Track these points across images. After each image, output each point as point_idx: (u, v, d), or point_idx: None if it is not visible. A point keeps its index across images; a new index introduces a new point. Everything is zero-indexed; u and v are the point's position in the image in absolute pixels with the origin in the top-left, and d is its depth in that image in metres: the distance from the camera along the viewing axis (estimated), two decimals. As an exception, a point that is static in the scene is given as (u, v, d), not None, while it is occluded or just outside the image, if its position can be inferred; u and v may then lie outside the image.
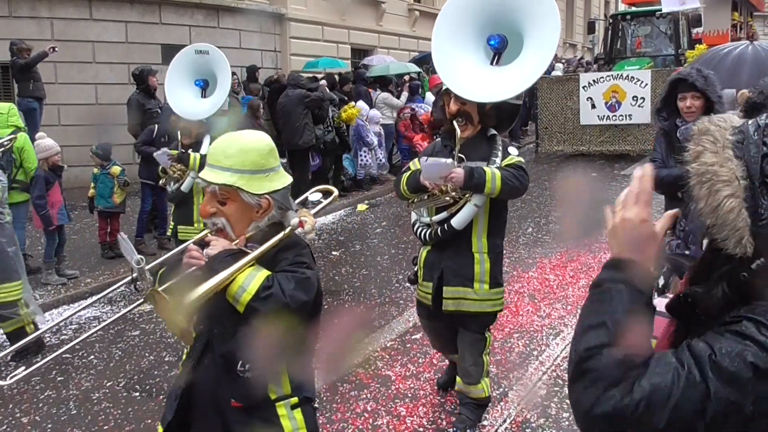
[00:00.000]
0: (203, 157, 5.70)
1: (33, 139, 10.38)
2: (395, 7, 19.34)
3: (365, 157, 12.24)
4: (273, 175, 2.35)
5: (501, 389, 4.78)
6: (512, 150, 3.87)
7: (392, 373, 5.11)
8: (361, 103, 12.42)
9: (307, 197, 2.99)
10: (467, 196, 3.71)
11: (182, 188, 5.97)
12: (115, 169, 7.97)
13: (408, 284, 4.67)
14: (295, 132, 10.60)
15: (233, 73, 12.80)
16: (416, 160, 4.06)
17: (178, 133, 6.21)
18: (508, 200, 4.00)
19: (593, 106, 14.67)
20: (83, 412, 4.66)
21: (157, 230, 8.73)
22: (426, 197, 3.83)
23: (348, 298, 6.93)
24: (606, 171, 13.42)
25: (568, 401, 4.48)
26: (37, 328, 5.31)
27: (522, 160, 3.80)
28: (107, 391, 4.91)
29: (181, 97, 6.12)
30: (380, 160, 12.65)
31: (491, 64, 3.83)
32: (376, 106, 13.03)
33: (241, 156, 2.29)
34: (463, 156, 3.75)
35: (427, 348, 5.50)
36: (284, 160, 11.55)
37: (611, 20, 17.80)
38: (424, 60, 16.98)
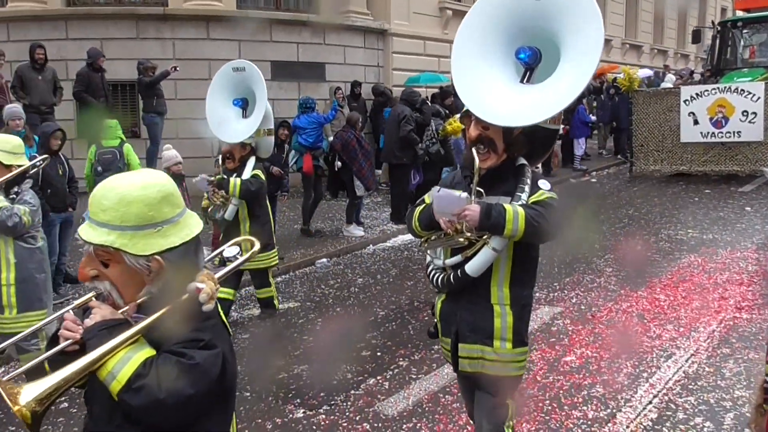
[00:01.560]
0: (244, 183, 5.77)
1: (155, 151, 11.13)
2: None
3: (466, 170, 12.22)
4: (168, 229, 1.88)
5: (608, 410, 4.67)
6: (543, 184, 3.16)
7: (495, 387, 5.09)
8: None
9: (222, 251, 2.57)
10: (485, 237, 3.07)
11: (225, 216, 5.77)
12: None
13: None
14: (396, 147, 10.72)
15: (338, 88, 13.28)
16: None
17: (218, 158, 5.96)
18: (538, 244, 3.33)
19: (696, 122, 13.69)
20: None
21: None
22: (440, 236, 3.19)
23: (450, 311, 6.94)
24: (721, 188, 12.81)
25: (681, 427, 4.36)
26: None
27: (554, 196, 3.13)
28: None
29: (222, 120, 5.80)
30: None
31: (521, 81, 3.20)
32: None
33: (120, 208, 1.83)
34: (481, 190, 3.12)
35: (530, 364, 5.45)
36: (379, 171, 11.71)
37: (719, 28, 16.42)
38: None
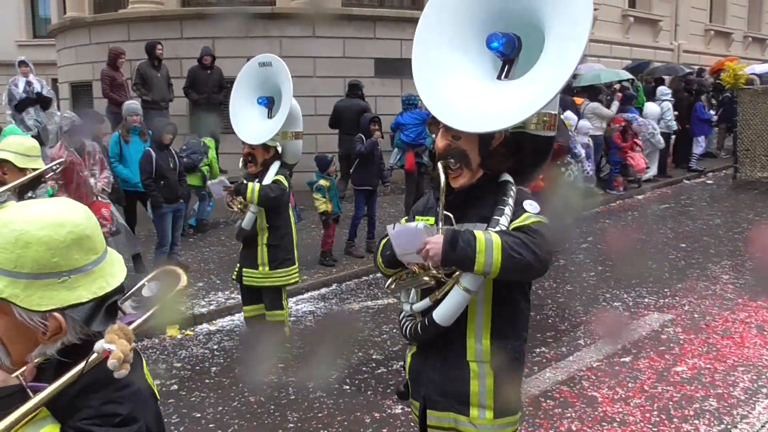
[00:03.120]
0: (264, 189, 5.17)
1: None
2: (608, 14, 18.61)
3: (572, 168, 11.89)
4: (76, 280, 1.49)
5: (723, 425, 4.40)
6: (530, 205, 2.47)
7: (599, 394, 4.91)
8: (568, 114, 12.09)
9: (142, 286, 1.92)
10: (456, 274, 2.42)
11: (243, 225, 5.30)
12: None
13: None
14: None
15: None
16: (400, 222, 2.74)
17: (240, 160, 5.48)
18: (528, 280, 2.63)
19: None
20: (300, 399, 5.02)
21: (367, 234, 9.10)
22: (406, 275, 2.56)
23: (551, 314, 6.77)
24: None
25: (805, 447, 4.04)
26: None
27: (543, 220, 2.45)
28: (321, 381, 5.24)
29: (244, 119, 5.31)
30: (587, 173, 12.21)
31: (499, 77, 2.52)
32: (585, 116, 12.61)
33: (15, 249, 1.44)
34: (450, 215, 2.46)
35: (637, 373, 5.23)
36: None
37: None
38: (639, 68, 16.18)
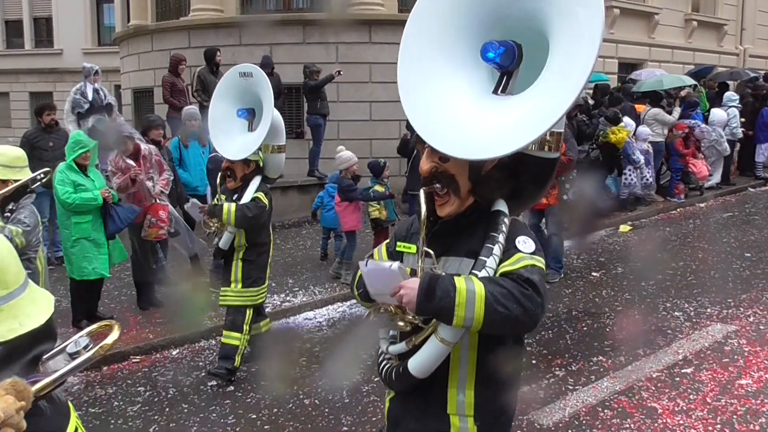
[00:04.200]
0: (240, 209, 4.93)
1: (318, 152, 11.61)
2: (670, 18, 18.18)
3: (630, 175, 11.63)
4: None
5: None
6: (524, 243, 2.13)
7: (659, 405, 4.78)
8: (626, 119, 11.85)
9: (67, 346, 1.78)
10: (434, 321, 2.13)
11: (220, 245, 5.10)
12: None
13: None
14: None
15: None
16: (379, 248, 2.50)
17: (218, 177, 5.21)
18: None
19: None
20: (354, 402, 5.04)
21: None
22: (384, 311, 2.21)
23: (609, 322, 6.63)
24: None
25: None
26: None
27: (539, 262, 2.11)
28: (375, 385, 5.25)
29: (223, 132, 5.01)
30: (646, 180, 11.93)
31: (495, 91, 2.15)
32: (646, 122, 12.33)
33: None
34: (430, 251, 2.14)
35: (699, 385, 5.07)
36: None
37: None
38: (702, 74, 15.75)
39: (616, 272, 8.43)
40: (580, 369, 5.48)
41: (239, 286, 5.18)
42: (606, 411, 4.73)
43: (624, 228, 10.87)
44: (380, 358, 2.35)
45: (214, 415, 4.90)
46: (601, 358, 5.70)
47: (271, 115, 4.84)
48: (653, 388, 5.07)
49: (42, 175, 4.61)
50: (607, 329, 6.44)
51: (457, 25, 2.18)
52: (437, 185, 2.20)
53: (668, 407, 4.75)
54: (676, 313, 6.75)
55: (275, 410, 4.95)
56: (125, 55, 15.67)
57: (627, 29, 16.97)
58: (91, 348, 1.65)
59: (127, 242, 6.88)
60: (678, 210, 12.26)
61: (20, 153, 4.55)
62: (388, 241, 2.48)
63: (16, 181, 4.30)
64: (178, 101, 10.49)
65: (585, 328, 6.46)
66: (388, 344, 2.29)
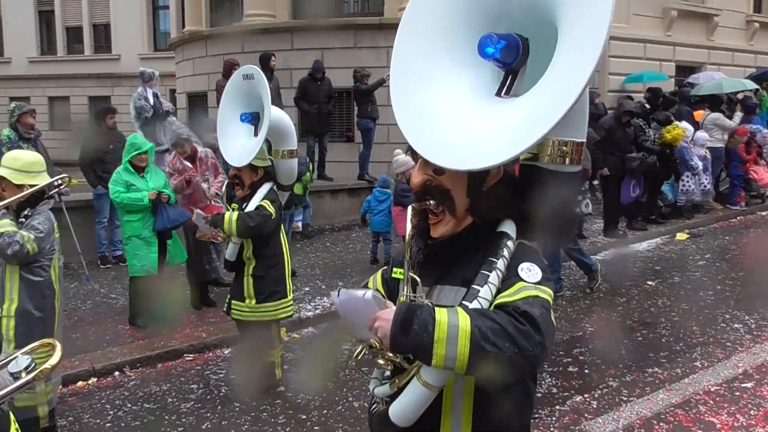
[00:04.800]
0: (241, 219, 4.73)
1: (368, 155, 11.64)
2: (730, 20, 17.67)
3: (688, 182, 11.34)
4: None
5: None
6: (528, 270, 1.79)
7: (717, 420, 4.63)
8: (684, 124, 11.56)
9: (13, 363, 1.79)
10: (417, 361, 1.81)
11: (227, 256, 4.95)
12: None
13: None
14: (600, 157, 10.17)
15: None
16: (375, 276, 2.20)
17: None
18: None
19: None
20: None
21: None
22: (367, 348, 1.90)
23: (665, 333, 6.46)
24: None
25: None
26: (51, 411, 4.46)
27: (544, 294, 1.76)
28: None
29: (229, 137, 4.82)
30: (704, 186, 11.62)
31: (498, 93, 1.85)
32: (704, 127, 12.01)
33: None
34: (416, 278, 1.86)
35: (760, 400, 4.90)
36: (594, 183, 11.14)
37: None
38: (764, 77, 15.27)
39: (673, 281, 8.21)
40: (634, 380, 5.35)
41: (253, 302, 4.96)
42: (661, 424, 4.60)
43: (681, 236, 10.61)
44: (372, 399, 2.04)
45: (265, 414, 4.95)
46: (656, 369, 5.55)
47: (270, 120, 4.57)
48: (711, 402, 4.91)
49: (59, 181, 4.54)
50: (663, 340, 6.28)
51: (456, 17, 1.88)
52: (431, 201, 1.89)
53: (727, 423, 4.60)
54: (735, 325, 6.53)
55: (325, 411, 4.97)
56: (180, 60, 16.02)
57: (685, 31, 16.57)
58: (33, 370, 1.68)
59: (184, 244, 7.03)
60: (738, 218, 11.91)
61: (37, 158, 4.46)
62: (385, 267, 2.15)
63: (32, 186, 4.25)
64: (231, 105, 10.64)
65: (640, 338, 6.31)
66: (375, 385, 1.97)
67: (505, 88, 1.83)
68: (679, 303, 7.32)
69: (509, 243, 1.83)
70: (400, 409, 1.84)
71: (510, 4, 1.83)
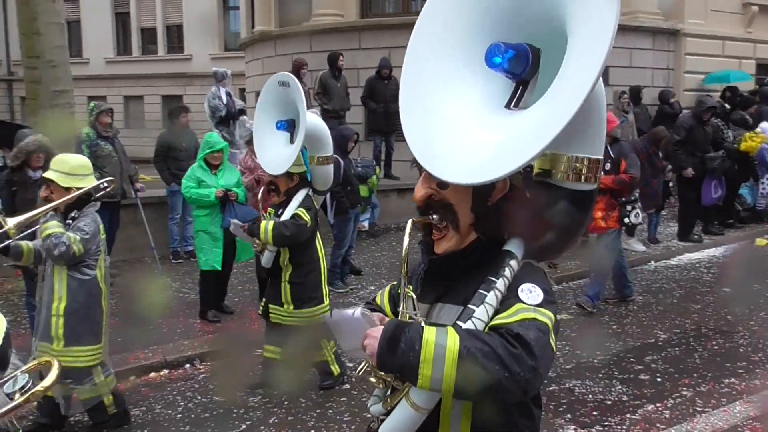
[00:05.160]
0: (277, 228, 4.72)
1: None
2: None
3: (767, 185, 10.86)
4: None
5: None
6: (529, 292, 1.70)
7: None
8: (764, 125, 11.08)
9: (10, 382, 1.78)
10: (406, 384, 1.75)
11: (263, 263, 4.97)
12: None
13: None
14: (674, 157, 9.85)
15: (623, 92, 12.64)
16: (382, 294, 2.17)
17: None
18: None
19: None
20: (469, 411, 4.96)
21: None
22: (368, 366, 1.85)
23: (743, 342, 6.20)
24: None
25: None
26: (118, 401, 4.68)
27: (544, 317, 1.66)
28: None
29: (266, 144, 4.79)
30: (787, 191, 11.10)
31: (508, 105, 1.76)
32: (787, 127, 11.47)
33: None
34: (412, 294, 1.80)
35: None
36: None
37: None
38: None
39: (751, 289, 7.87)
40: (710, 390, 5.16)
41: (291, 307, 4.99)
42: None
43: (761, 241, 10.19)
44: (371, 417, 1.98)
45: (331, 411, 4.99)
46: (733, 380, 5.34)
47: (306, 128, 4.58)
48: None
49: (105, 184, 4.68)
50: (741, 349, 6.03)
51: (471, 26, 1.80)
52: (434, 216, 1.82)
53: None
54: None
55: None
56: (250, 60, 16.32)
57: (766, 28, 15.88)
58: (28, 390, 1.69)
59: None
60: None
61: (84, 161, 4.57)
62: (395, 283, 2.05)
63: (78, 189, 4.35)
64: (300, 104, 10.78)
65: (716, 347, 6.08)
66: (373, 402, 1.90)
67: (515, 99, 1.75)
68: (758, 311, 7.02)
69: (512, 262, 1.74)
70: (389, 430, 1.79)
71: (524, 11, 1.74)
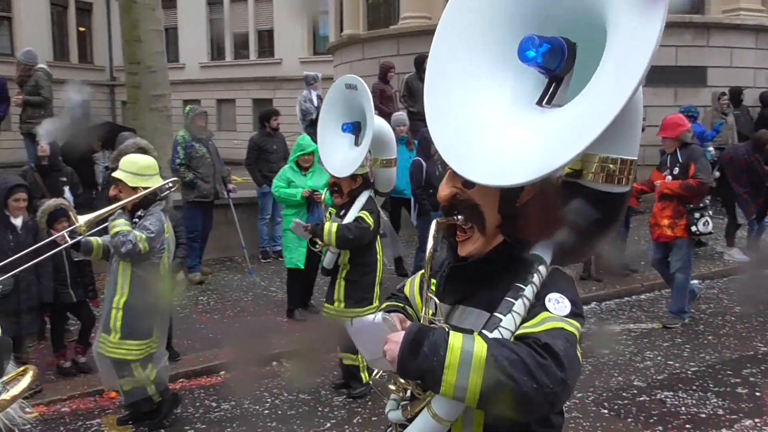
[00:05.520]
0: (341, 230, 4.75)
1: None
2: None
3: None
4: None
5: None
6: (555, 303, 1.62)
7: None
8: None
9: None
10: (430, 392, 1.66)
11: (324, 264, 5.01)
12: None
13: None
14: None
15: (722, 93, 12.09)
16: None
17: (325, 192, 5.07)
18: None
19: None
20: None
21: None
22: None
23: None
24: None
25: None
26: (161, 391, 4.81)
27: (572, 326, 1.59)
28: (577, 401, 5.05)
29: (331, 146, 4.80)
30: None
31: (539, 102, 1.65)
32: None
33: None
34: (435, 300, 1.70)
35: None
36: None
37: None
38: None
39: None
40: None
41: (342, 305, 5.01)
42: None
43: None
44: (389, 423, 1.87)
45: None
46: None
47: (373, 130, 4.60)
48: None
49: (170, 184, 4.82)
50: None
51: (499, 16, 1.69)
52: (459, 217, 1.71)
53: None
54: None
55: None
56: (338, 64, 16.57)
57: None
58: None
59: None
60: None
61: (151, 161, 4.72)
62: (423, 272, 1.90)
63: (145, 188, 4.52)
64: (387, 108, 10.87)
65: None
66: (391, 407, 1.80)
67: (548, 96, 1.63)
68: None
69: (541, 268, 1.64)
70: None
71: (559, 2, 1.63)
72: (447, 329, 1.59)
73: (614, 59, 1.45)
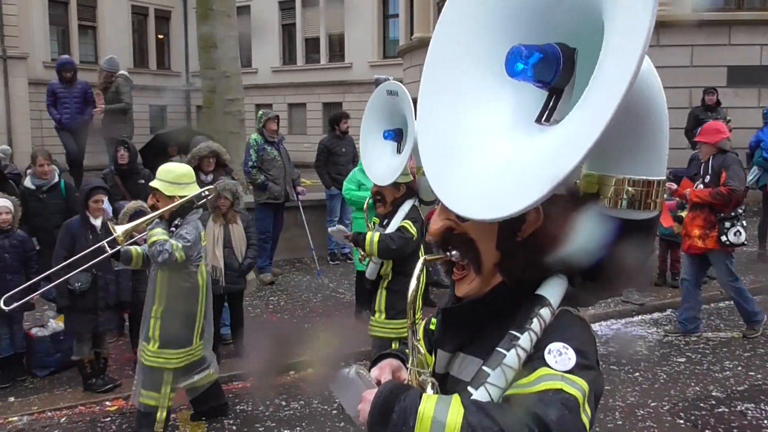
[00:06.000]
0: (383, 240, 4.58)
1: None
2: None
3: None
4: None
5: None
6: (556, 356, 1.32)
7: None
8: None
9: None
10: None
11: (367, 275, 4.86)
12: None
13: None
14: None
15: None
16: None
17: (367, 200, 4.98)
18: None
19: None
20: (628, 426, 4.73)
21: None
22: None
23: None
24: None
25: None
26: (216, 392, 4.98)
27: (574, 387, 1.27)
28: (651, 410, 4.88)
29: (374, 154, 4.68)
30: None
31: (539, 120, 1.38)
32: None
33: None
34: (420, 348, 1.50)
35: None
36: None
37: None
38: None
39: None
40: None
41: (382, 317, 4.83)
42: None
43: None
44: None
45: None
46: None
47: (415, 137, 4.36)
48: None
49: (207, 192, 4.80)
50: None
51: (496, 25, 1.45)
52: (453, 252, 1.47)
53: None
54: None
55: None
56: (408, 67, 16.63)
57: None
58: None
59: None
60: None
61: (187, 170, 4.71)
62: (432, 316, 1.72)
63: (182, 197, 4.50)
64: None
65: None
66: None
67: (547, 112, 1.38)
68: None
69: (543, 312, 1.37)
70: None
71: (560, 3, 1.38)
72: (429, 386, 1.43)
73: (608, 60, 1.22)
